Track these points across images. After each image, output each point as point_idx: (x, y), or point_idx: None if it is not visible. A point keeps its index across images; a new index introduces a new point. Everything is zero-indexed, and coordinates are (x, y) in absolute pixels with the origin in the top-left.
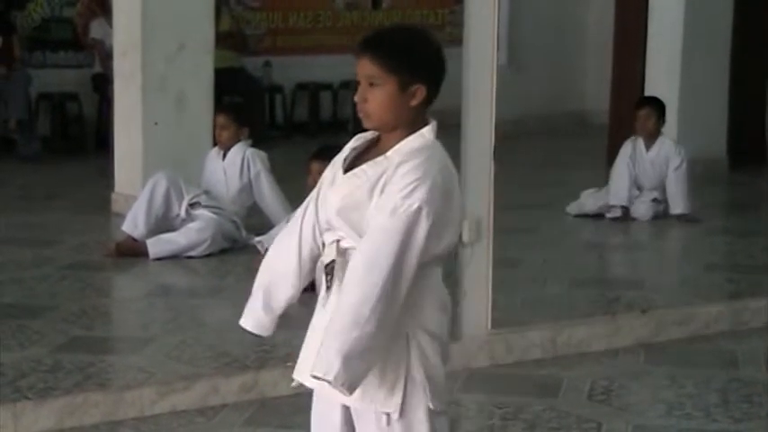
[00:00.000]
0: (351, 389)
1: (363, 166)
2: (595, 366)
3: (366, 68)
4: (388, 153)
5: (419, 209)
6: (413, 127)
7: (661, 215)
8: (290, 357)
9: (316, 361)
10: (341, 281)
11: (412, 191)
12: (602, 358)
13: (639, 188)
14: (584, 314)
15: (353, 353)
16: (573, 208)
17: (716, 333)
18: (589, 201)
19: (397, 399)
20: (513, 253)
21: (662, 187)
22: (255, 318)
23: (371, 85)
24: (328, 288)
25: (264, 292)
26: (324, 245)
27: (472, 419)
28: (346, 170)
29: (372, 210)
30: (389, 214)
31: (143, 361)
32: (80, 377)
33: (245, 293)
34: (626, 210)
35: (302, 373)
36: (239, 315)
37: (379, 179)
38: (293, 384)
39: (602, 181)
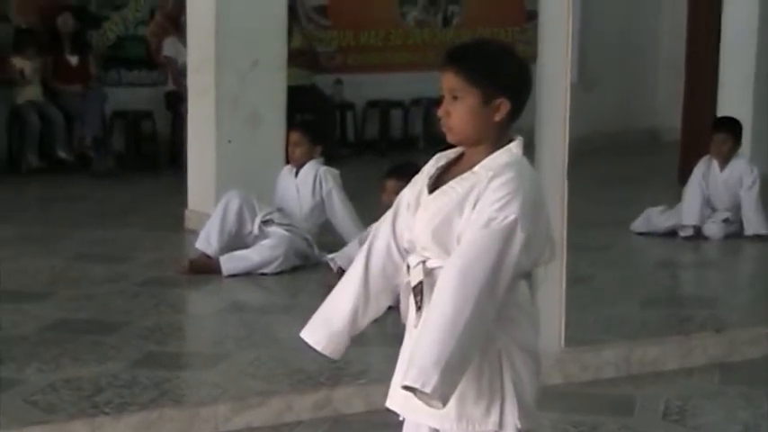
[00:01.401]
0: (445, 402)
1: (451, 183)
2: (669, 385)
3: (450, 81)
4: (476, 168)
5: (515, 221)
6: (497, 143)
7: (733, 235)
8: (364, 374)
9: (408, 371)
10: (430, 301)
11: (506, 204)
12: (676, 377)
13: (712, 208)
14: (657, 333)
15: (450, 365)
16: (638, 225)
17: None
18: (659, 219)
19: (495, 418)
20: (586, 271)
21: (735, 208)
22: (312, 330)
23: (455, 98)
24: (419, 309)
25: (325, 307)
26: (408, 267)
27: None
28: (431, 189)
29: (463, 225)
30: (484, 226)
31: (217, 377)
32: (156, 393)
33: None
34: (698, 229)
35: (396, 402)
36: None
37: (468, 194)
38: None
39: (674, 199)
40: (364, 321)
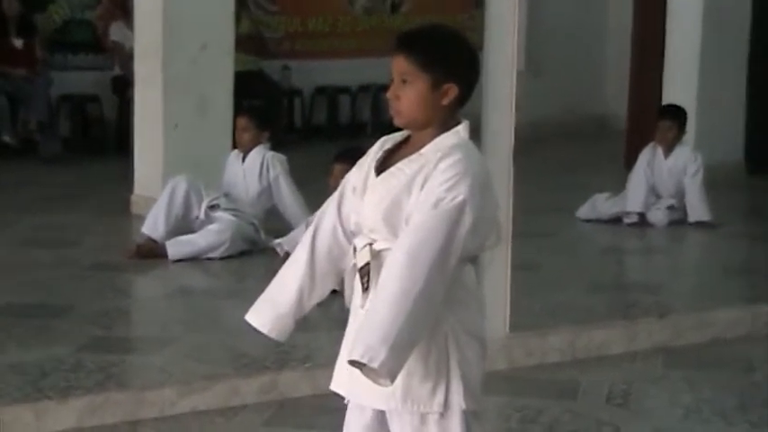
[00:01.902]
0: (393, 378)
1: (399, 165)
2: (614, 370)
3: (400, 65)
4: (423, 150)
5: (463, 201)
6: (444, 126)
7: (677, 222)
8: (309, 359)
9: (356, 346)
10: (377, 283)
11: (455, 184)
12: (621, 362)
13: (657, 195)
14: (602, 318)
15: (398, 342)
16: (583, 212)
17: (734, 338)
18: (604, 206)
19: (440, 398)
20: (532, 257)
21: (679, 195)
22: (257, 312)
23: (404, 82)
24: (365, 290)
25: (270, 290)
26: (355, 249)
27: (491, 422)
28: (378, 172)
29: (411, 206)
30: (432, 207)
31: (163, 361)
32: (101, 377)
33: None
34: (642, 216)
35: (340, 384)
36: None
37: (416, 175)
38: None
39: (620, 185)
40: (309, 304)
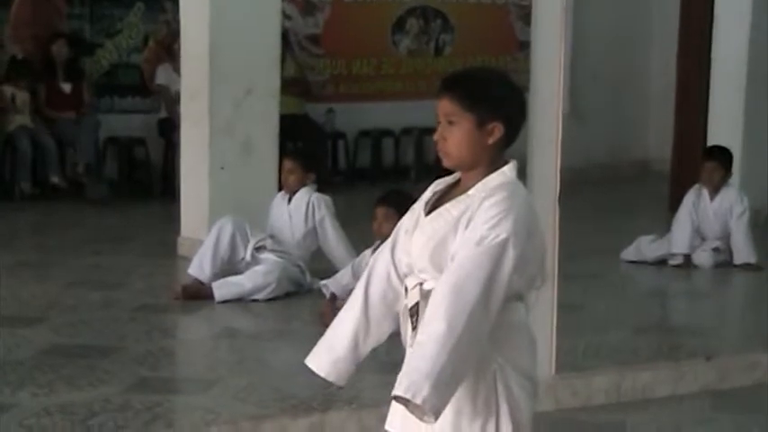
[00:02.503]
0: (437, 415)
1: (446, 205)
2: (660, 413)
3: (445, 107)
4: (470, 191)
5: (506, 239)
6: (492, 166)
7: (722, 264)
8: (356, 399)
9: (401, 381)
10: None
11: (498, 222)
12: (667, 404)
13: (702, 237)
14: (647, 360)
15: (442, 378)
16: (628, 254)
17: None
18: (649, 248)
19: None
20: (577, 298)
21: (724, 237)
22: (316, 356)
23: (450, 123)
24: (414, 329)
25: (328, 335)
26: (406, 290)
27: None
28: (428, 213)
29: (457, 245)
30: (476, 244)
31: (210, 402)
32: (149, 416)
33: (311, 337)
34: (688, 257)
35: (394, 425)
36: (304, 358)
37: (462, 215)
38: None
39: (665, 228)
40: (366, 348)
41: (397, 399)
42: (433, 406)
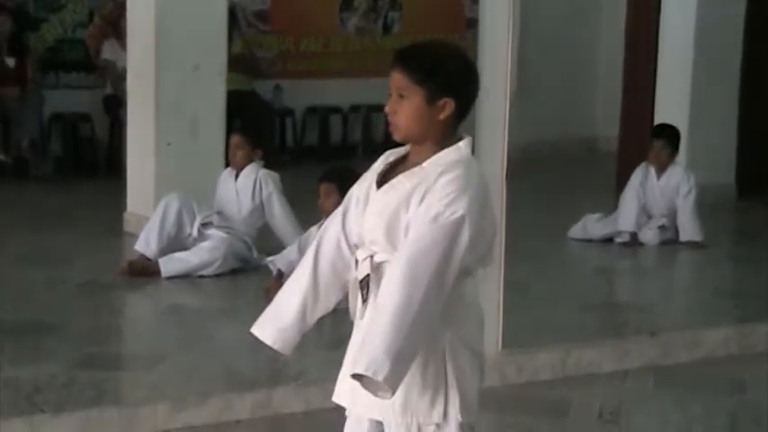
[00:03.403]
0: (394, 390)
1: (399, 177)
2: (605, 388)
3: (396, 80)
4: (424, 164)
5: (462, 217)
6: (444, 142)
7: (668, 241)
8: (302, 375)
9: (359, 360)
10: (376, 295)
11: (454, 199)
12: (612, 380)
13: (649, 215)
14: (593, 336)
15: (400, 354)
16: (575, 232)
17: (724, 357)
18: (596, 226)
19: (438, 410)
20: (523, 276)
21: (670, 214)
22: (262, 325)
23: (401, 97)
24: (364, 302)
25: (274, 304)
26: (357, 262)
27: None
28: (380, 185)
29: (409, 219)
30: (432, 221)
31: (156, 378)
32: (94, 393)
33: (257, 313)
34: (634, 235)
35: (342, 396)
36: (250, 334)
37: (415, 188)
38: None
39: (611, 206)
40: (313, 317)
41: (356, 376)
42: (392, 383)
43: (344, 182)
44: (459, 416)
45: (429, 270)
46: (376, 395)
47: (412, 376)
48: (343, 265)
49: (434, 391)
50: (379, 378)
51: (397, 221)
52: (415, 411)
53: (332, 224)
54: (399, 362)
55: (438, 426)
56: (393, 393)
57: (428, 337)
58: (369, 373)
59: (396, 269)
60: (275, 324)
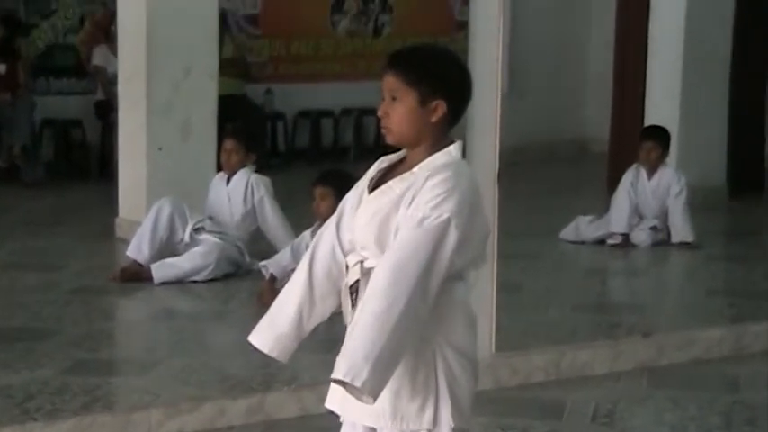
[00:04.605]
0: (375, 396)
1: (390, 183)
2: (598, 389)
3: (389, 83)
4: (415, 169)
5: (448, 220)
6: (437, 145)
7: (660, 242)
8: (295, 380)
9: (339, 365)
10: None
11: (441, 202)
12: (605, 382)
13: (640, 216)
14: (586, 338)
15: (380, 360)
16: (567, 233)
17: (717, 357)
18: (588, 228)
19: (429, 415)
20: (516, 278)
21: (662, 215)
22: (259, 333)
23: (394, 99)
24: (354, 307)
25: (271, 311)
26: (347, 267)
27: None
28: (372, 190)
29: (399, 222)
30: (417, 225)
31: (149, 383)
32: (87, 399)
33: (250, 317)
34: (626, 237)
35: (334, 402)
36: (244, 339)
37: (405, 193)
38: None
39: (603, 208)
40: (310, 324)
41: (336, 381)
42: (372, 388)
43: (339, 185)
44: (451, 421)
45: (413, 275)
46: (360, 400)
47: (401, 381)
48: (339, 271)
49: (424, 396)
50: (357, 384)
51: (388, 227)
52: (405, 417)
53: (326, 231)
54: (379, 368)
55: (429, 431)
56: (375, 399)
57: (413, 342)
58: (347, 379)
59: (380, 273)
60: (272, 332)
